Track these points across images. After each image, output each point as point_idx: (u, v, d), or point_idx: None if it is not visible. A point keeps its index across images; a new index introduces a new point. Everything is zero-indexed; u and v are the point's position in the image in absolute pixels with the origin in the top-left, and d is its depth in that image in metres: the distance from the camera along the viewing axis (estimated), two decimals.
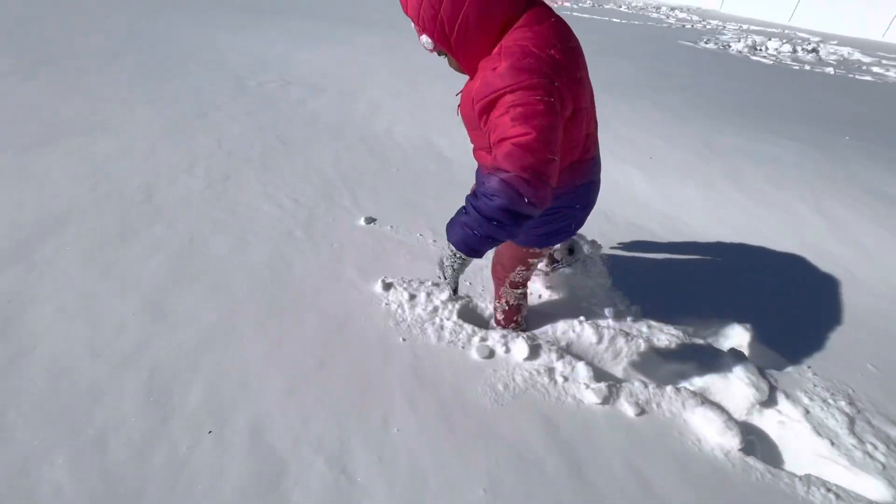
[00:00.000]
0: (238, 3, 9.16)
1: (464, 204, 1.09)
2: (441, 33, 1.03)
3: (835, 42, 11.72)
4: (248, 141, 3.22)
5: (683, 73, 6.32)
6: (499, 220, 1.00)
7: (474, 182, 1.48)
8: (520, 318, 1.72)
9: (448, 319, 1.77)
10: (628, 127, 3.82)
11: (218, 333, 1.63)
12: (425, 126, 3.80)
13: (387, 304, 1.83)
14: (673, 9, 17.01)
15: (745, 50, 9.60)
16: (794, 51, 10.00)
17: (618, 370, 1.72)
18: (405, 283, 1.93)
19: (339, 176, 2.83)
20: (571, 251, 2.07)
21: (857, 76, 7.63)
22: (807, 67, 7.95)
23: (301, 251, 2.09)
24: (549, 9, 1.08)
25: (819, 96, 5.83)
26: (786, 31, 13.30)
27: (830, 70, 7.87)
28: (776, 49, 10.01)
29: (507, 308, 1.69)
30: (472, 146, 1.34)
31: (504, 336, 1.69)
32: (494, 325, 1.78)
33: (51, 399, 1.36)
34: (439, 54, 1.14)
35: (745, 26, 13.81)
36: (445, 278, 1.20)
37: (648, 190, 2.89)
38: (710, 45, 9.56)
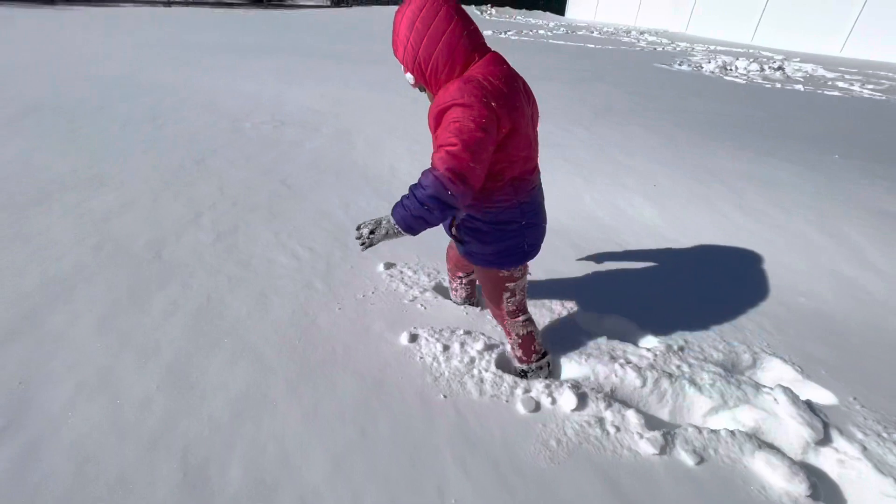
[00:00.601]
0: (222, 45, 9.23)
1: (407, 191, 1.33)
2: (419, 71, 1.31)
3: (797, 59, 12.32)
4: (251, 187, 3.16)
5: (667, 97, 6.52)
6: (429, 206, 1.27)
7: None
8: (537, 345, 1.73)
9: (486, 371, 1.71)
10: (627, 154, 3.89)
11: (249, 403, 1.54)
12: (427, 163, 3.80)
13: (420, 357, 1.77)
14: (642, 32, 17.73)
15: (717, 70, 10.00)
16: (762, 69, 10.47)
17: (664, 413, 1.68)
18: (436, 332, 1.88)
19: (350, 220, 2.78)
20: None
21: (825, 91, 7.99)
22: (777, 85, 8.30)
23: (325, 305, 2.03)
24: (503, 58, 1.35)
25: (796, 114, 6.07)
26: (750, 51, 13.95)
27: (800, 87, 8.24)
28: (745, 68, 10.46)
29: (520, 341, 1.71)
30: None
31: (547, 386, 1.65)
32: (519, 364, 1.76)
33: (78, 492, 1.25)
34: (420, 90, 1.41)
35: (711, 47, 14.44)
36: (370, 235, 1.38)
37: (658, 219, 2.92)
38: (685, 67, 9.94)
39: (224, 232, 2.56)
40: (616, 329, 2.02)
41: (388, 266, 2.33)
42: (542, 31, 16.71)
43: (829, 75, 9.93)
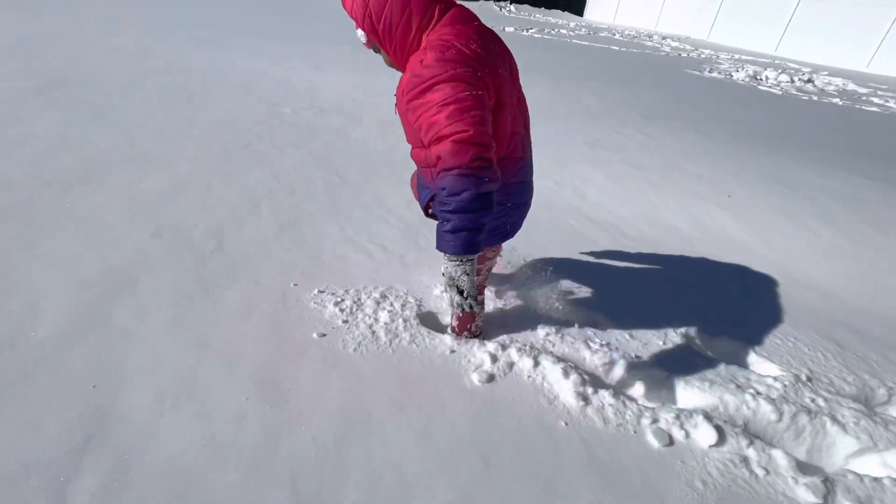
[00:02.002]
0: (245, 26, 8.99)
1: (438, 218, 1.15)
2: (371, 27, 1.13)
3: (825, 73, 12.16)
4: (305, 176, 2.98)
5: (709, 104, 6.35)
6: (477, 208, 1.08)
7: (414, 190, 1.50)
8: (474, 326, 1.70)
9: (608, 396, 1.55)
10: (691, 162, 3.73)
11: (352, 422, 1.37)
12: None
13: (530, 376, 1.60)
14: (664, 37, 17.52)
15: (748, 79, 9.83)
16: (792, 81, 10.31)
17: (800, 452, 1.51)
18: (537, 347, 1.71)
19: (416, 217, 2.61)
20: None
21: (862, 107, 7.83)
22: (814, 98, 8.14)
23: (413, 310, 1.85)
24: (471, 12, 1.17)
25: (840, 126, 5.91)
26: (776, 61, 13.78)
27: (837, 101, 8.08)
28: (776, 79, 10.29)
29: (460, 314, 1.64)
30: (410, 148, 1.36)
31: (677, 416, 1.48)
32: (450, 331, 1.73)
33: None
34: (375, 51, 1.23)
35: (736, 55, 14.26)
36: (464, 293, 1.20)
37: (742, 232, 2.75)
38: (715, 75, 9.77)
39: (287, 223, 2.38)
40: (729, 352, 1.86)
41: None
42: (563, 31, 16.49)
43: (862, 90, 9.78)
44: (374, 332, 1.72)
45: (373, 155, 3.50)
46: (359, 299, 1.86)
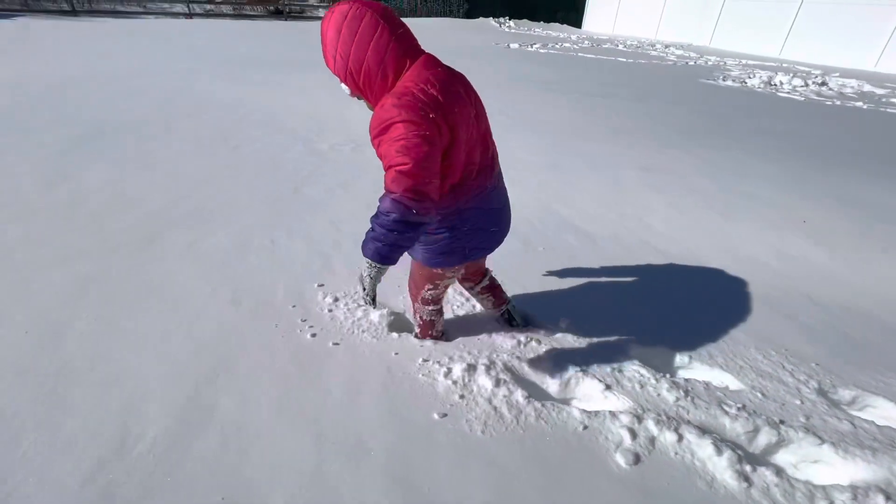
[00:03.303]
0: (262, 59, 9.03)
1: (371, 224, 1.30)
2: (352, 81, 1.25)
3: (836, 74, 12.11)
4: (363, 221, 2.86)
5: (739, 117, 6.27)
6: (398, 231, 1.25)
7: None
8: (434, 332, 1.88)
9: (773, 475, 1.40)
10: (750, 184, 3.62)
11: None
12: (544, 193, 3.51)
13: (677, 453, 1.46)
14: (667, 46, 17.57)
15: (763, 86, 9.78)
16: (806, 84, 10.24)
17: None
18: (672, 416, 1.57)
19: (499, 263, 2.49)
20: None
21: (887, 109, 7.74)
22: (837, 102, 8.05)
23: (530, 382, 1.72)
24: (436, 59, 1.31)
25: (885, 134, 5.80)
26: (783, 65, 13.77)
27: (860, 104, 7.99)
28: (789, 83, 10.23)
29: (421, 323, 1.86)
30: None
31: (854, 496, 1.34)
32: (415, 337, 1.91)
33: None
34: (358, 99, 1.34)
35: (743, 61, 14.26)
36: (364, 289, 1.38)
37: (833, 263, 2.62)
38: (730, 83, 9.72)
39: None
40: (883, 411, 1.71)
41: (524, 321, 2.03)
42: (567, 45, 16.57)
43: (879, 91, 9.69)
44: (496, 409, 1.58)
45: None
46: (468, 368, 1.73)
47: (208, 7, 19.31)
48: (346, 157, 4.05)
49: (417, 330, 1.90)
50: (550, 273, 2.46)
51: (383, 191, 1.26)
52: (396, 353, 1.80)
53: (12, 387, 1.52)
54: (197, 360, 1.70)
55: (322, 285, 2.20)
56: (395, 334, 1.91)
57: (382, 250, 1.28)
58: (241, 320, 1.93)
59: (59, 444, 1.34)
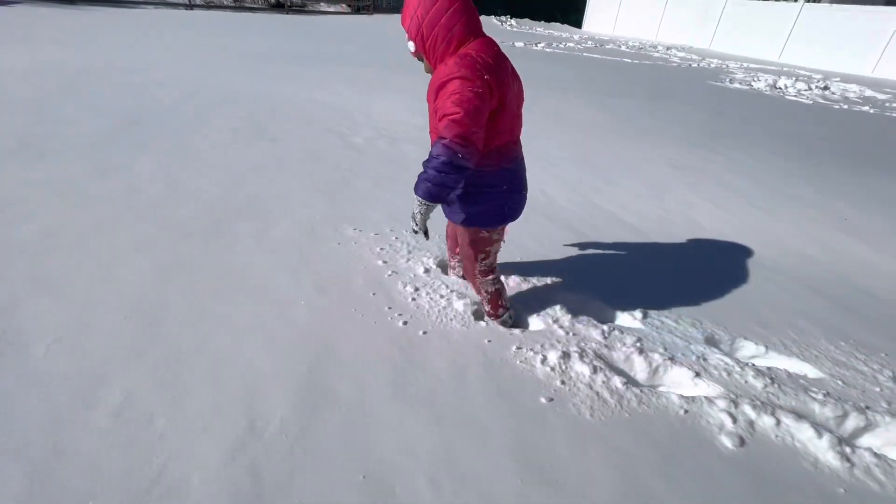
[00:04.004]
0: (274, 52, 8.97)
1: (423, 168, 1.49)
2: (420, 41, 1.47)
3: (837, 79, 12.37)
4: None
5: (755, 118, 6.40)
6: (445, 171, 1.43)
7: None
8: (503, 301, 1.96)
9: (871, 455, 1.48)
10: (785, 184, 3.71)
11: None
12: (582, 187, 3.58)
13: (777, 436, 1.53)
14: (669, 48, 17.77)
15: (768, 89, 9.96)
16: (810, 88, 10.45)
17: None
18: (763, 401, 1.64)
19: (544, 253, 2.54)
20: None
21: (893, 114, 7.94)
22: (844, 107, 8.24)
23: (636, 394, 1.78)
24: (494, 41, 1.52)
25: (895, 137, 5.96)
26: (784, 69, 14.01)
27: (867, 108, 8.19)
28: (793, 86, 10.43)
29: (489, 297, 1.93)
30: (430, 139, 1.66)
31: None
32: (487, 317, 1.98)
33: None
34: (419, 59, 1.58)
35: (744, 64, 14.48)
36: (416, 224, 1.57)
37: (878, 258, 2.72)
38: (738, 86, 9.88)
39: (433, 270, 2.31)
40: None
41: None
42: (570, 44, 16.67)
43: (881, 96, 9.92)
44: (598, 394, 1.64)
45: None
46: (562, 355, 1.78)
47: None
48: (382, 152, 4.07)
49: (488, 308, 1.95)
50: (610, 264, 2.52)
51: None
52: (489, 341, 1.85)
53: (131, 371, 1.53)
54: (300, 345, 1.72)
55: (395, 273, 2.23)
56: (482, 322, 1.95)
57: (432, 189, 1.46)
58: (331, 307, 1.96)
59: (193, 425, 1.37)
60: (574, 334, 1.93)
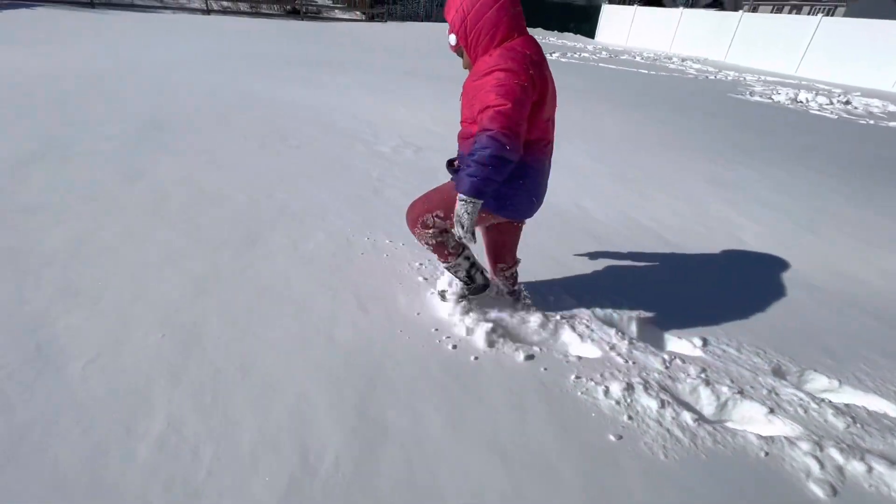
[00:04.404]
0: (291, 58, 8.97)
1: (464, 164, 1.46)
2: (463, 34, 1.48)
3: (858, 93, 12.21)
4: None
5: (782, 132, 6.28)
6: (492, 165, 1.38)
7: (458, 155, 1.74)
8: (449, 251, 1.82)
9: None
10: (826, 202, 3.59)
11: None
12: (619, 201, 3.47)
13: (871, 485, 1.40)
14: (684, 59, 17.69)
15: (789, 102, 9.82)
16: (831, 102, 10.31)
17: None
18: (849, 444, 1.51)
19: (585, 269, 2.43)
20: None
21: None
22: (870, 122, 8.09)
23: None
24: (535, 40, 1.52)
25: None
26: (802, 82, 13.88)
27: (893, 124, 8.03)
28: (814, 100, 10.29)
29: (431, 248, 1.81)
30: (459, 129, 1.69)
31: None
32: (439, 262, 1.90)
33: None
34: (458, 54, 1.58)
35: (761, 77, 14.36)
36: (464, 227, 1.47)
37: None
38: (758, 99, 9.76)
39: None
40: None
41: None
42: (585, 55, 16.63)
43: None
44: (669, 432, 1.51)
45: None
46: (626, 387, 1.66)
47: (225, 3, 19.22)
48: (410, 161, 3.98)
49: (436, 256, 1.87)
50: (656, 284, 2.40)
51: (470, 140, 1.48)
52: (545, 369, 1.73)
53: (173, 395, 1.43)
54: (349, 370, 1.61)
55: (441, 292, 2.12)
56: (536, 348, 1.84)
57: (477, 184, 1.41)
58: (376, 328, 1.85)
59: (242, 460, 1.26)
60: (633, 363, 1.81)
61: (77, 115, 4.16)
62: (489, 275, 2.05)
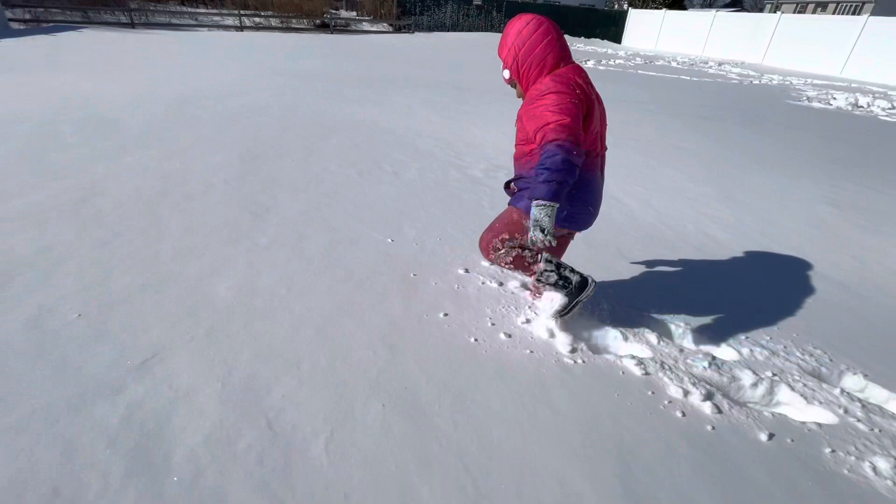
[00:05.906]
0: (340, 75, 8.99)
1: (534, 175, 1.56)
2: (515, 68, 1.70)
3: None
4: (574, 252, 2.69)
5: (870, 143, 6.02)
6: (564, 169, 1.49)
7: (513, 175, 1.93)
8: (527, 262, 1.91)
9: None
10: None
11: None
12: (743, 227, 3.30)
13: None
14: (720, 63, 17.35)
15: (850, 107, 9.49)
16: (893, 106, 9.93)
17: None
18: None
19: (743, 306, 2.28)
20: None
21: None
22: None
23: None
24: (582, 68, 1.69)
25: None
26: (851, 85, 13.45)
27: None
28: (874, 104, 9.93)
29: (510, 267, 1.94)
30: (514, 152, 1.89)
31: None
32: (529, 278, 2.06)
33: None
34: (512, 86, 1.79)
35: (808, 80, 13.97)
36: (544, 230, 1.51)
37: None
38: (819, 105, 9.45)
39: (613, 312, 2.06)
40: None
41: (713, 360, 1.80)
42: (620, 61, 16.44)
43: None
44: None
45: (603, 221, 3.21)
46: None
47: (258, 20, 19.56)
48: (499, 184, 3.88)
49: (523, 272, 1.98)
50: (838, 331, 2.23)
51: (525, 158, 1.74)
52: (792, 440, 1.58)
53: (433, 484, 1.32)
54: (589, 445, 1.49)
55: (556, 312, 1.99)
56: (767, 414, 1.69)
57: (553, 187, 1.48)
58: (593, 393, 1.73)
59: None
60: (879, 430, 1.65)
61: (173, 144, 4.16)
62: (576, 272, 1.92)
